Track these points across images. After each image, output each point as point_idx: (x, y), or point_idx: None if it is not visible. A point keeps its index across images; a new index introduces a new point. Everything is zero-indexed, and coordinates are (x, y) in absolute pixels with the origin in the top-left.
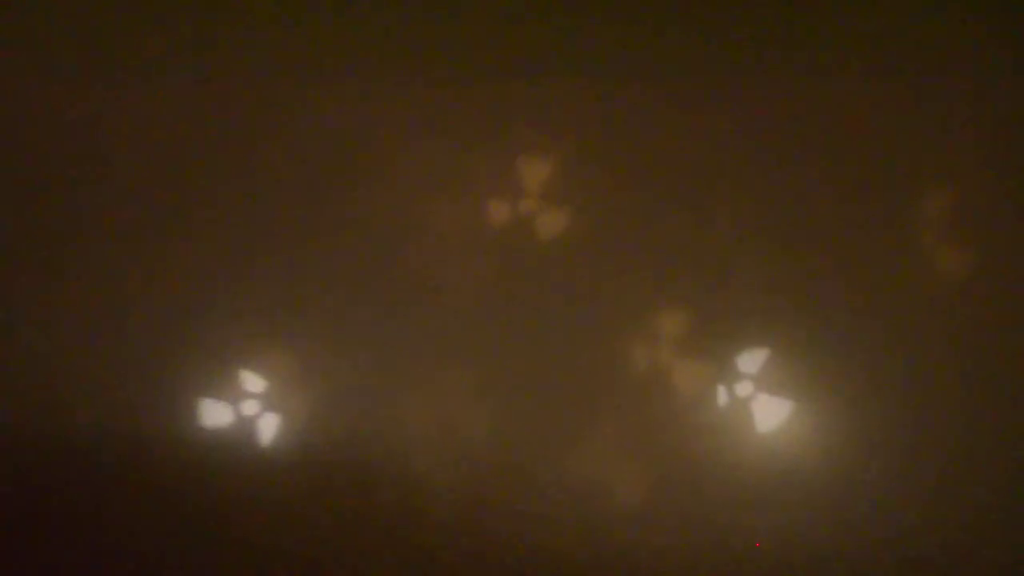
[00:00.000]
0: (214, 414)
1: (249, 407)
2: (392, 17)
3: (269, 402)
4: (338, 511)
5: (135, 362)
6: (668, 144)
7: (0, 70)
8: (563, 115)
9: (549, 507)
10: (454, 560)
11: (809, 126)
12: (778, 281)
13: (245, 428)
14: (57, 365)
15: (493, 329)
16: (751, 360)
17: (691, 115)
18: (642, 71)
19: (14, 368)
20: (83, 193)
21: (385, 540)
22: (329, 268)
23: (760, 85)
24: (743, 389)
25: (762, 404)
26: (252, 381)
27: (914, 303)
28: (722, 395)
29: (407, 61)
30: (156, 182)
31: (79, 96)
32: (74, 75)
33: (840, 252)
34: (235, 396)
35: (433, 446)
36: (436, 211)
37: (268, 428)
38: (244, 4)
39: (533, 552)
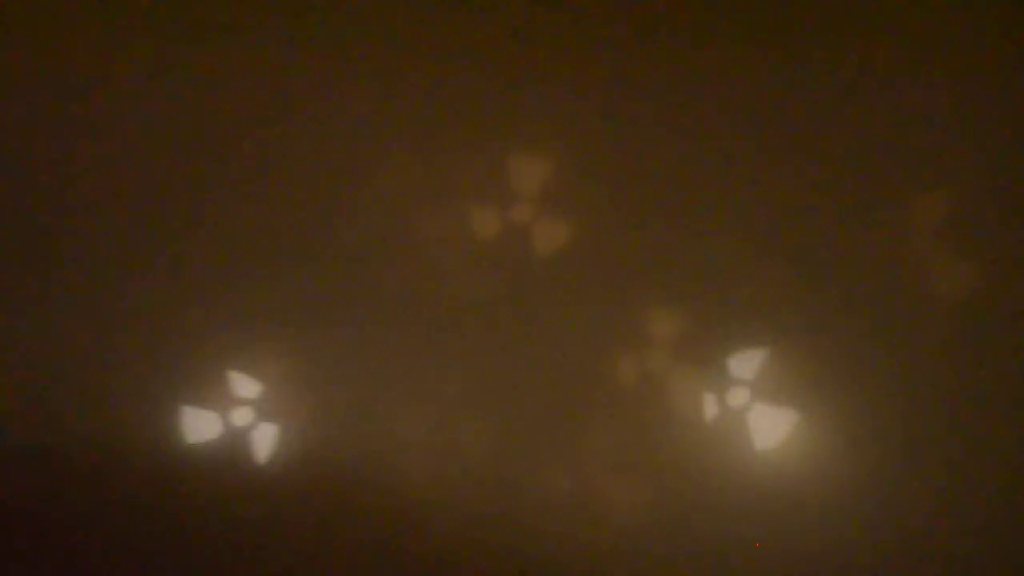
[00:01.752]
0: (203, 425)
1: (240, 418)
2: (377, 18)
3: (260, 415)
4: (331, 527)
5: (122, 370)
6: (663, 149)
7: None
8: (554, 121)
9: (544, 521)
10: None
11: (808, 133)
12: (777, 292)
13: (236, 440)
14: (40, 372)
15: (486, 340)
16: (748, 370)
17: (687, 121)
18: (634, 76)
19: (64, 380)
20: (72, 195)
21: (381, 556)
22: (319, 280)
23: (757, 91)
24: (740, 400)
25: (759, 415)
26: (244, 390)
27: (915, 312)
28: (718, 406)
29: (398, 65)
30: (141, 190)
31: (76, 93)
32: (74, 69)
33: (839, 263)
34: (225, 407)
35: (428, 460)
36: (427, 221)
37: (258, 441)
38: (221, 17)
39: (529, 566)
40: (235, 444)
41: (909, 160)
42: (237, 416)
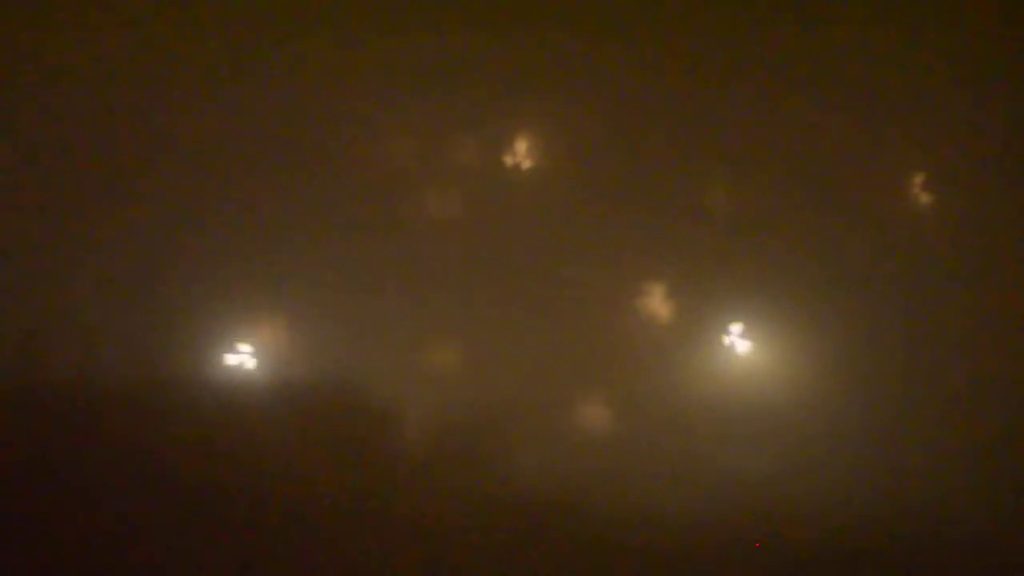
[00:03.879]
0: (205, 360)
1: (234, 350)
2: None
3: (253, 345)
4: (326, 455)
5: (124, 312)
6: (655, 85)
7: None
8: (549, 65)
9: (527, 442)
10: (430, 495)
11: (803, 75)
12: (763, 222)
13: (230, 372)
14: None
15: (472, 271)
16: (732, 299)
17: (681, 58)
18: (633, 12)
19: (52, 324)
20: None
21: (365, 478)
22: (308, 208)
23: (755, 28)
24: (724, 328)
25: (743, 342)
26: (237, 323)
27: (892, 249)
28: (703, 332)
29: (396, 12)
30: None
31: (77, 49)
32: (68, 22)
33: (840, 192)
34: (223, 340)
35: (412, 384)
36: (414, 153)
37: (253, 371)
38: None
39: (514, 488)
40: (227, 377)
41: (900, 119)
42: (230, 350)
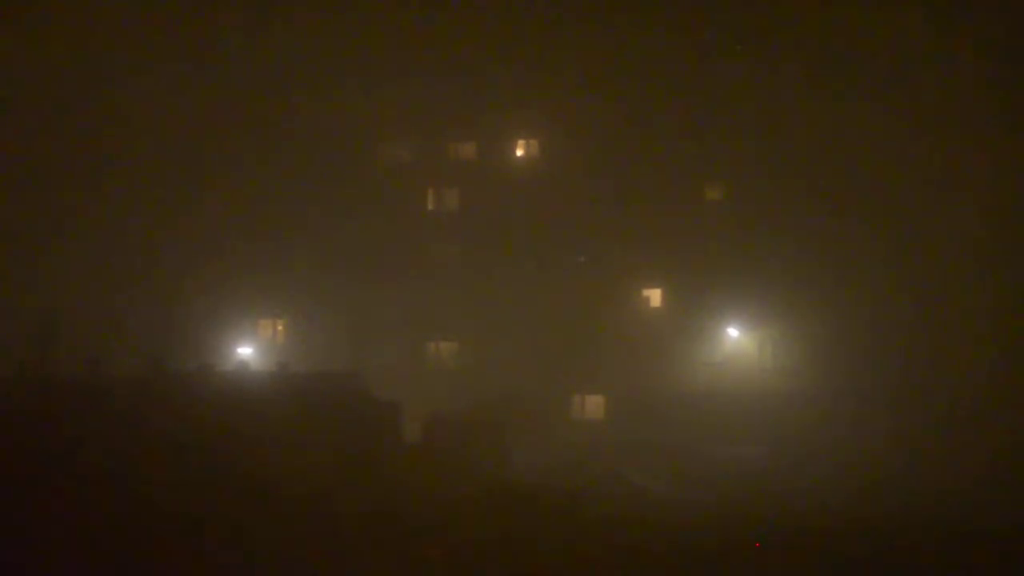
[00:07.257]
0: (210, 355)
1: (238, 345)
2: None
3: (256, 341)
4: (326, 447)
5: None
6: (654, 84)
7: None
8: (551, 64)
9: (526, 434)
10: (428, 487)
11: (808, 72)
12: (760, 216)
13: (233, 367)
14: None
15: (472, 266)
16: (730, 293)
17: (683, 60)
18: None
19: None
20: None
21: (365, 469)
22: (310, 209)
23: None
24: (721, 320)
25: (740, 334)
26: (241, 321)
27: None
28: (700, 325)
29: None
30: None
31: (124, 79)
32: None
33: (827, 193)
34: (227, 336)
35: (412, 378)
36: (415, 151)
37: (255, 366)
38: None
39: (512, 479)
40: (233, 372)
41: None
42: (238, 350)
